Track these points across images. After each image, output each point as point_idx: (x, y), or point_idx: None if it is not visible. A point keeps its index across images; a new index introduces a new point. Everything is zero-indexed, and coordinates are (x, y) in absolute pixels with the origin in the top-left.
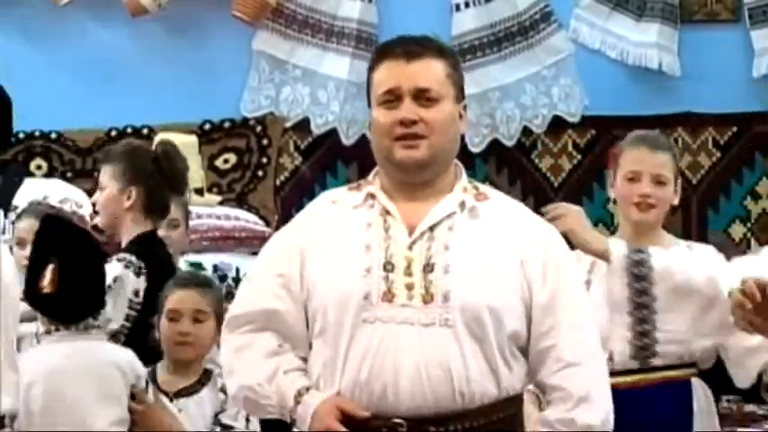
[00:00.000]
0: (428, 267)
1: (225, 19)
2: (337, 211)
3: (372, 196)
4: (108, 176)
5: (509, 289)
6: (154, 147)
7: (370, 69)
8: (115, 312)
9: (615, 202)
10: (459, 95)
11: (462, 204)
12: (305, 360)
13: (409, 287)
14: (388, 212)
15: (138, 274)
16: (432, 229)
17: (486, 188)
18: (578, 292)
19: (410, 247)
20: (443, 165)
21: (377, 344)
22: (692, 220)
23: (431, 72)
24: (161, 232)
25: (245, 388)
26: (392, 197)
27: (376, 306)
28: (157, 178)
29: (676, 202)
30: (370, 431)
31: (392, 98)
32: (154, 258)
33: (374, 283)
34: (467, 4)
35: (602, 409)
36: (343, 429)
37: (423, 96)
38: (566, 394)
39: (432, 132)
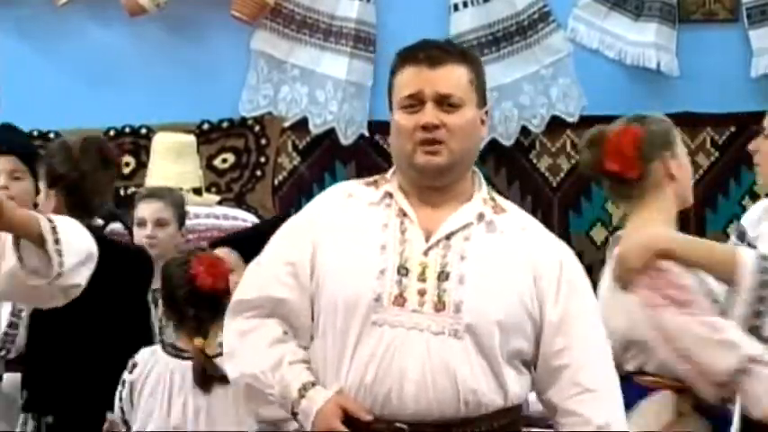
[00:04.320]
0: (443, 275)
1: (223, 18)
2: (353, 206)
3: (390, 195)
4: (40, 177)
5: (519, 306)
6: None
7: (392, 73)
8: None
9: None
10: (482, 101)
11: (480, 216)
12: (306, 350)
13: (421, 293)
14: (404, 214)
15: None
16: (448, 237)
17: (502, 200)
18: (592, 313)
19: (426, 253)
20: (463, 170)
21: (384, 347)
22: (690, 220)
23: (453, 78)
24: (147, 231)
25: (247, 375)
26: (409, 198)
27: (386, 309)
28: (74, 177)
29: None
30: None
31: (414, 103)
32: None
33: (387, 285)
34: (465, 4)
35: None
36: (346, 431)
37: (445, 102)
38: (584, 420)
39: (452, 138)
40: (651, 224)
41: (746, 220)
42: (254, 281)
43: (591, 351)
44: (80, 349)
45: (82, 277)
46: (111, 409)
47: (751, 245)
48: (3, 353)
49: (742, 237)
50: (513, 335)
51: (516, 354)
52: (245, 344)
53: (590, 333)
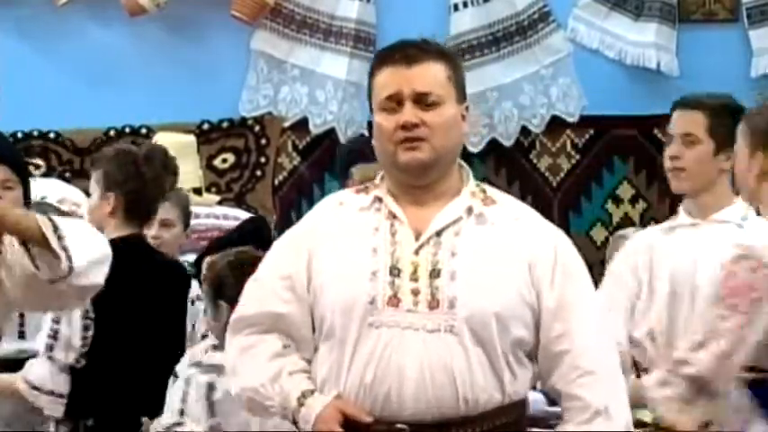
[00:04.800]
0: (434, 273)
1: (223, 19)
2: (344, 214)
3: (379, 199)
4: (93, 182)
5: (516, 296)
6: (141, 150)
7: (371, 75)
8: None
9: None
10: (461, 97)
11: (469, 210)
12: (310, 362)
13: (415, 292)
14: (394, 216)
15: None
16: (438, 234)
17: (493, 191)
18: (588, 296)
19: (416, 252)
20: (447, 166)
21: (381, 348)
22: None
23: (431, 75)
24: (152, 232)
25: (248, 389)
26: (398, 201)
27: (381, 311)
28: (136, 183)
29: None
30: None
31: (393, 103)
32: (129, 262)
33: (380, 287)
34: (465, 4)
35: (621, 421)
36: None
37: (423, 100)
38: (583, 404)
39: (433, 135)
40: None
41: None
42: (252, 297)
43: (589, 334)
44: (120, 355)
45: (98, 277)
46: (148, 413)
47: None
48: (82, 362)
49: None
50: (513, 325)
51: (518, 343)
52: (245, 360)
53: (587, 316)
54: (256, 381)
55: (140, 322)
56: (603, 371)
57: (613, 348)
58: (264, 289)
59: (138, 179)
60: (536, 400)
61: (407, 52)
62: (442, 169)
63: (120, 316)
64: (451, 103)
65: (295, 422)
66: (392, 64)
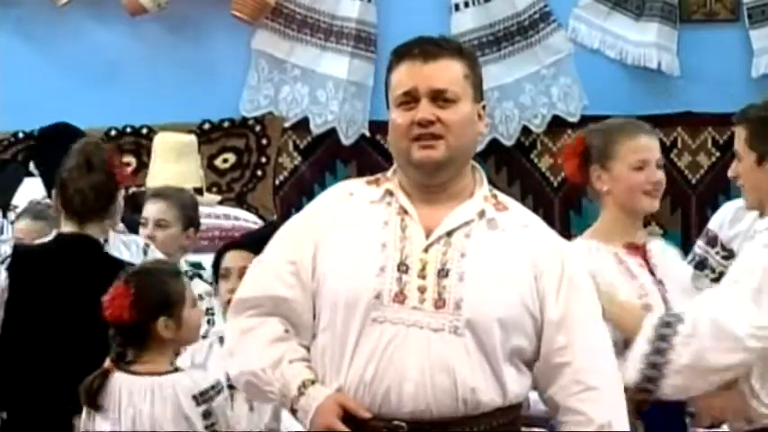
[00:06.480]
0: (443, 272)
1: (224, 18)
2: (354, 205)
3: (391, 193)
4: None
5: (520, 304)
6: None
7: (389, 71)
8: None
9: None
10: (478, 96)
11: (482, 213)
12: (308, 349)
13: (422, 290)
14: (405, 212)
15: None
16: (449, 234)
17: (504, 198)
18: (593, 310)
19: (426, 250)
20: (461, 165)
21: (384, 344)
22: (691, 220)
23: (448, 73)
24: (146, 231)
25: (247, 373)
26: (410, 197)
27: (387, 306)
28: (60, 178)
29: None
30: (371, 431)
31: (409, 99)
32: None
33: (387, 282)
34: (466, 4)
35: None
36: (345, 429)
37: (440, 97)
38: (586, 419)
39: (449, 132)
40: None
41: (716, 224)
42: (255, 279)
43: (592, 349)
44: (42, 350)
45: None
46: (70, 410)
47: (725, 247)
48: None
49: (713, 242)
50: (514, 332)
51: (517, 352)
52: (245, 342)
53: (591, 331)
54: (256, 365)
55: (67, 316)
56: (606, 386)
57: (614, 362)
58: (268, 272)
59: (62, 174)
60: (536, 401)
61: (425, 48)
62: (455, 168)
63: (44, 309)
64: (468, 102)
65: (293, 410)
66: (410, 59)
